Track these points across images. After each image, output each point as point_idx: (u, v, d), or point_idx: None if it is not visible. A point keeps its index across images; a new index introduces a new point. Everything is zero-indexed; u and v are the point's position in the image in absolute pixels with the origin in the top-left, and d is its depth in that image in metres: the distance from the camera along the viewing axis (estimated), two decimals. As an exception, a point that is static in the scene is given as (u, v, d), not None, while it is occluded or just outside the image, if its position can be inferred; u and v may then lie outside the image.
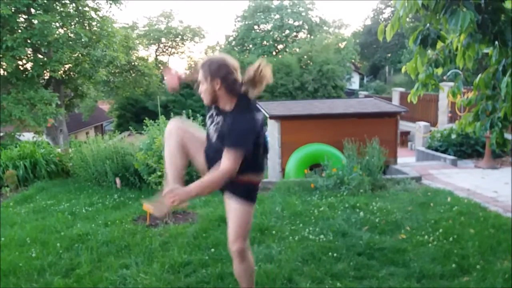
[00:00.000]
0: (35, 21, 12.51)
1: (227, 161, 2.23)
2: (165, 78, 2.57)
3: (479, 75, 3.45)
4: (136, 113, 25.96)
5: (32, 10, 12.80)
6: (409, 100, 3.84)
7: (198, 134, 2.58)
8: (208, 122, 2.49)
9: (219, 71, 2.33)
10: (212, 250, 3.67)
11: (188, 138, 2.50)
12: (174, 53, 32.63)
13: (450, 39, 3.34)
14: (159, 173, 4.75)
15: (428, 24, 3.02)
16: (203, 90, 2.37)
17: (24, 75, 13.07)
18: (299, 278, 3.10)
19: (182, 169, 2.53)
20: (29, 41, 12.46)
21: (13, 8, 11.87)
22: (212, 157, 2.40)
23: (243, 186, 2.52)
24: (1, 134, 13.68)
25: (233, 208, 2.52)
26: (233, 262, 2.60)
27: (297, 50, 30.08)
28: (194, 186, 2.26)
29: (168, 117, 6.51)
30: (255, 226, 4.21)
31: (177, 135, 2.48)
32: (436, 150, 9.41)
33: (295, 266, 3.31)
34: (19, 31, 12.40)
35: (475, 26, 2.68)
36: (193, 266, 3.37)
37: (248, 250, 2.59)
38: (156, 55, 31.82)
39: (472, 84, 3.68)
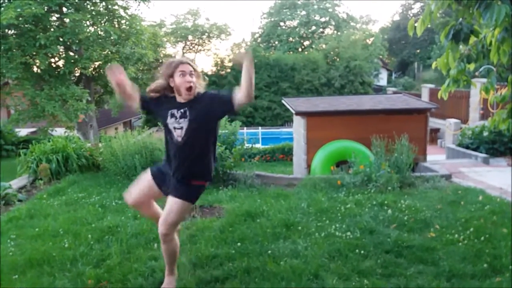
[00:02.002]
0: (67, 20, 12.85)
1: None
2: (109, 77, 2.81)
3: (514, 71, 3.36)
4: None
5: (64, 9, 13.15)
6: (439, 97, 3.77)
7: (146, 192, 3.00)
8: (174, 111, 2.78)
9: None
10: (239, 244, 3.70)
11: (144, 199, 3.00)
12: (200, 50, 32.86)
13: (484, 34, 3.26)
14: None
15: (460, 19, 2.95)
16: (193, 81, 2.75)
17: (56, 72, 13.45)
18: (326, 274, 3.09)
19: (157, 215, 3.07)
20: (61, 39, 12.80)
21: (46, 7, 12.23)
22: (187, 141, 2.75)
23: (194, 189, 2.90)
24: (35, 129, 14.14)
25: (175, 204, 2.79)
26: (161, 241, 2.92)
27: (324, 46, 29.82)
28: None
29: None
30: (281, 221, 4.23)
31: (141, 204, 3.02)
32: (467, 147, 9.17)
33: (321, 262, 3.31)
34: (52, 29, 12.76)
35: (511, 20, 2.60)
36: (220, 260, 3.41)
37: (173, 235, 2.89)
38: (183, 52, 32.11)
39: (506, 80, 3.58)
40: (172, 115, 2.77)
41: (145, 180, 2.97)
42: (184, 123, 2.74)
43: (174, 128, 2.76)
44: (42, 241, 4.00)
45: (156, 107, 2.89)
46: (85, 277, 3.18)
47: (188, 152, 2.77)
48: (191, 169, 2.80)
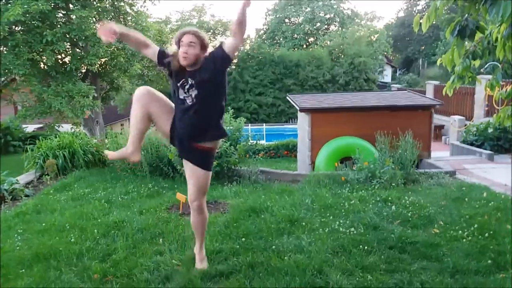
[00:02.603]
0: (73, 16, 12.92)
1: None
2: (99, 32, 2.77)
3: (520, 67, 3.35)
4: (169, 106, 26.35)
5: (71, 6, 13.22)
6: (444, 93, 3.77)
7: (164, 102, 3.01)
8: (183, 80, 2.87)
9: (207, 41, 2.89)
10: (243, 239, 3.72)
11: (152, 105, 2.92)
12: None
13: (490, 30, 3.24)
14: (191, 164, 4.84)
15: (466, 15, 2.94)
16: (193, 53, 2.79)
17: (63, 69, 13.53)
18: (329, 270, 3.11)
19: (144, 132, 3.01)
20: (67, 35, 12.88)
21: (52, 4, 12.30)
22: (195, 113, 2.85)
23: (200, 153, 2.98)
24: (42, 125, 14.23)
25: (192, 172, 3.01)
26: (192, 214, 3.16)
27: (328, 43, 29.74)
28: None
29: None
30: (285, 217, 4.25)
31: (143, 101, 2.90)
32: (472, 144, 9.15)
33: (325, 257, 3.32)
34: (58, 26, 12.84)
35: (517, 16, 2.59)
36: (225, 254, 3.44)
37: (204, 205, 3.14)
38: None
39: (511, 76, 3.57)
40: (182, 86, 2.87)
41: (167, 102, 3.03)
42: (193, 92, 2.85)
43: (184, 97, 2.88)
44: (49, 235, 4.05)
45: (169, 68, 2.96)
46: (91, 271, 3.22)
47: (197, 109, 2.85)
48: (201, 121, 2.89)
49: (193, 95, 2.85)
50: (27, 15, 11.79)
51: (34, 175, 6.96)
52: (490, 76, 3.73)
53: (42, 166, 6.97)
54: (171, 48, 2.99)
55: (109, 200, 5.28)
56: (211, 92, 2.88)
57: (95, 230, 4.09)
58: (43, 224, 4.38)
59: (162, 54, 2.97)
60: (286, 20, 35.44)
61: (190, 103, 2.86)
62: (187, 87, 2.86)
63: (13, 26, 12.36)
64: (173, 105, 3.00)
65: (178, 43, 2.85)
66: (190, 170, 3.02)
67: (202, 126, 2.91)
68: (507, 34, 3.01)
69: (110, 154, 3.16)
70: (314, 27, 34.41)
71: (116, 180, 6.33)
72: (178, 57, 2.84)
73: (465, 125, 11.08)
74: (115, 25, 2.77)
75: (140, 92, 2.95)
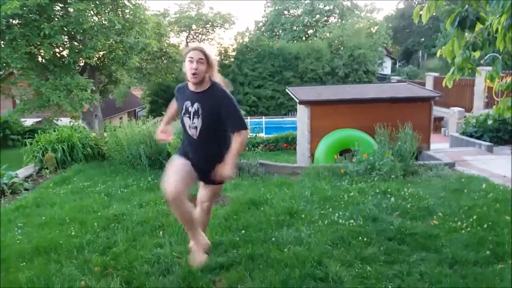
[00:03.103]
0: (71, 9, 12.83)
1: (242, 125, 2.79)
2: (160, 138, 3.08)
3: (520, 58, 3.34)
4: (168, 99, 26.04)
5: (68, -1, 13.13)
6: (444, 84, 3.75)
7: (188, 177, 2.91)
8: (187, 103, 2.84)
9: (214, 58, 2.85)
10: (243, 231, 3.74)
11: (184, 194, 2.81)
12: (204, 39, 32.72)
13: (490, 21, 3.23)
14: (191, 157, 4.85)
15: (466, 6, 2.93)
16: (202, 69, 2.74)
17: (61, 62, 13.49)
18: (329, 261, 3.13)
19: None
20: (65, 29, 12.81)
21: (50, -3, 12.21)
22: (201, 136, 2.84)
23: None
24: (40, 119, 14.21)
25: (213, 188, 3.11)
26: (198, 211, 3.15)
27: (328, 35, 29.63)
28: (232, 156, 2.80)
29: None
30: (284, 209, 4.26)
31: (178, 202, 2.75)
32: (471, 136, 9.15)
33: (324, 249, 3.34)
34: (56, 19, 12.77)
35: (518, 6, 2.58)
36: (225, 247, 3.46)
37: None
38: (187, 42, 32.01)
39: (511, 68, 3.56)
40: (186, 111, 2.83)
41: (182, 166, 2.89)
42: (198, 123, 2.79)
43: (189, 127, 2.84)
44: (49, 229, 4.06)
45: (177, 101, 3.02)
46: (91, 264, 3.24)
47: (204, 145, 2.86)
48: (211, 156, 2.89)
49: (198, 127, 2.80)
50: (25, 8, 11.71)
51: (33, 169, 6.96)
52: (490, 68, 3.72)
53: (41, 159, 6.97)
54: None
55: (108, 193, 5.28)
56: (216, 121, 2.80)
57: (95, 223, 4.10)
58: (43, 218, 4.39)
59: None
60: (285, 12, 35.28)
61: (196, 137, 2.84)
62: (191, 110, 2.81)
63: (11, 20, 12.29)
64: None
65: (185, 59, 2.82)
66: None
67: (215, 153, 2.87)
68: (508, 25, 2.99)
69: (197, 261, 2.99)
70: (314, 19, 34.26)
71: (115, 174, 6.33)
72: (186, 74, 2.79)
73: (465, 116, 11.07)
74: (163, 126, 3.08)
75: (171, 199, 2.80)
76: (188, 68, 2.75)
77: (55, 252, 3.51)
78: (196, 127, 2.80)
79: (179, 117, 2.94)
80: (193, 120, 2.80)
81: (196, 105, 2.79)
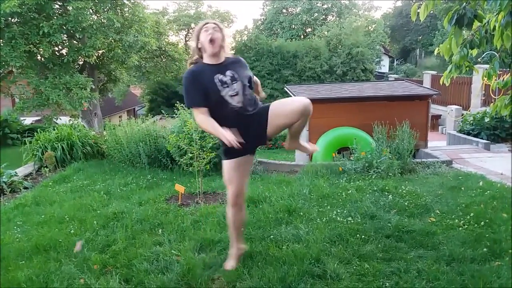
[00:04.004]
0: (70, 8, 12.81)
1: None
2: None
3: (517, 56, 3.35)
4: (167, 98, 26.35)
5: (67, -3, 13.11)
6: (441, 82, 3.77)
7: (246, 176, 3.04)
8: (219, 76, 2.72)
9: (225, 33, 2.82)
10: (241, 229, 3.74)
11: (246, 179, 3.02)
12: (203, 38, 32.71)
13: (487, 19, 3.24)
14: (190, 155, 4.86)
15: (464, 3, 2.94)
16: (219, 36, 2.73)
17: (60, 61, 13.46)
18: (327, 259, 3.14)
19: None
20: (64, 27, 12.78)
21: (48, -5, 12.19)
22: (244, 101, 2.75)
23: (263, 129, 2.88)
24: (40, 117, 14.19)
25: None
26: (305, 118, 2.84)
27: (326, 33, 29.60)
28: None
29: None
30: (283, 207, 4.28)
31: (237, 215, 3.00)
32: (468, 134, 9.19)
33: (322, 246, 3.36)
34: (55, 17, 12.74)
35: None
36: (223, 244, 3.46)
37: None
38: (186, 41, 32.01)
39: (509, 66, 3.58)
40: (222, 83, 2.70)
41: (236, 167, 2.90)
42: (238, 87, 2.72)
43: (231, 96, 2.71)
44: (48, 227, 4.07)
45: (204, 91, 2.71)
46: (91, 262, 3.24)
47: (250, 106, 2.77)
48: (258, 113, 2.80)
49: (239, 90, 2.72)
50: (23, 6, 11.68)
51: (32, 168, 6.97)
52: (487, 66, 3.74)
53: (40, 158, 6.98)
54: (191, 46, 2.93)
55: (108, 191, 5.30)
56: (247, 78, 2.82)
57: (95, 222, 4.11)
58: (43, 216, 4.40)
59: (206, 105, 2.74)
60: (284, 11, 35.25)
61: (241, 103, 2.73)
62: (226, 79, 2.72)
63: (10, 18, 12.26)
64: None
65: (198, 35, 2.77)
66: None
67: (257, 107, 2.84)
68: (505, 23, 3.01)
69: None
70: (312, 17, 34.23)
71: (114, 172, 6.34)
72: (203, 46, 2.74)
73: (462, 114, 11.10)
74: (222, 129, 2.63)
75: (234, 204, 2.97)
76: (204, 37, 2.71)
77: (54, 250, 3.52)
78: (238, 92, 2.71)
79: (211, 99, 2.70)
80: (233, 87, 2.71)
81: (228, 72, 2.73)
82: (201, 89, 2.70)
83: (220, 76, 2.71)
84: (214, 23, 2.77)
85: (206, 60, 2.79)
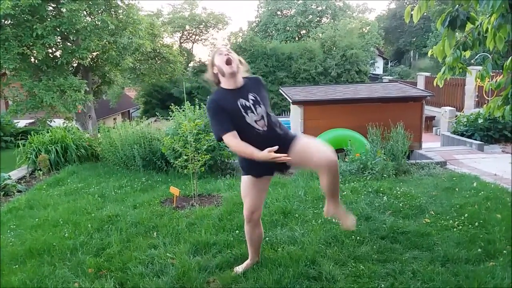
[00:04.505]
0: (64, 10, 12.74)
1: None
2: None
3: (510, 58, 3.37)
4: (162, 100, 26.27)
5: (61, -1, 13.04)
6: (435, 84, 3.80)
7: (262, 194, 2.97)
8: (241, 101, 2.64)
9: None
10: (237, 231, 3.75)
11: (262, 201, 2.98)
12: (198, 40, 32.74)
13: (480, 21, 3.27)
14: (185, 157, 4.85)
15: (457, 5, 2.96)
16: (234, 57, 2.70)
17: (54, 63, 13.38)
18: (322, 260, 3.15)
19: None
20: (58, 29, 12.69)
21: (42, -3, 12.12)
22: (269, 124, 2.69)
23: (284, 135, 2.82)
24: (33, 120, 14.10)
25: (303, 139, 2.81)
26: (334, 175, 2.71)
27: (320, 35, 29.68)
28: None
29: (192, 103, 6.63)
30: (278, 209, 4.28)
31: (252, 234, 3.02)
32: (462, 135, 9.24)
33: (318, 248, 3.36)
34: (49, 19, 12.65)
35: (507, 6, 2.61)
36: (219, 247, 3.46)
37: None
38: (181, 42, 31.99)
39: (501, 67, 3.60)
40: (246, 108, 2.63)
41: (254, 185, 2.85)
42: (262, 110, 2.66)
43: (256, 121, 2.64)
44: (42, 231, 4.04)
45: (228, 116, 2.63)
46: (85, 266, 3.23)
47: (273, 129, 2.70)
48: (283, 136, 2.74)
49: (264, 114, 2.66)
50: (17, 8, 11.61)
51: (26, 171, 6.92)
52: (480, 67, 3.77)
53: (34, 161, 6.94)
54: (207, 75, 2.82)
55: (102, 194, 5.28)
56: (267, 101, 2.77)
57: (89, 225, 4.10)
58: (36, 220, 4.38)
59: (232, 125, 2.64)
60: (278, 13, 35.31)
61: (266, 127, 2.66)
62: (249, 104, 2.65)
63: (3, 20, 12.18)
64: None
65: (213, 61, 2.71)
66: (300, 147, 2.70)
67: (281, 129, 2.78)
68: (498, 25, 3.03)
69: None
70: (306, 19, 34.31)
71: (109, 175, 6.31)
72: (220, 69, 2.67)
73: (456, 116, 11.17)
74: (263, 152, 2.50)
75: (249, 220, 2.98)
76: (220, 60, 2.65)
77: (48, 254, 3.50)
78: (262, 116, 2.65)
79: (236, 124, 2.63)
80: (256, 111, 2.64)
81: (250, 96, 2.66)
82: (226, 115, 2.62)
83: (243, 101, 2.64)
84: (225, 47, 2.78)
85: (225, 85, 2.70)
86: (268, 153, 2.46)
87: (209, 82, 2.83)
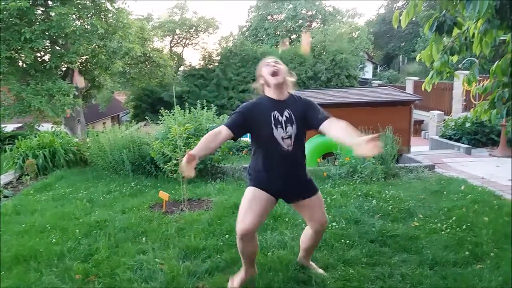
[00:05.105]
0: (53, 14, 12.67)
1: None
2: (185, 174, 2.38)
3: (496, 62, 3.42)
4: (152, 104, 26.16)
5: (50, 3, 12.99)
6: (423, 88, 3.83)
7: (263, 213, 2.65)
8: (275, 113, 2.59)
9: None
10: (227, 236, 3.73)
11: (259, 225, 2.65)
12: (188, 44, 32.70)
13: (467, 26, 3.31)
14: (174, 162, 4.83)
15: (444, 11, 3.00)
16: (282, 69, 2.64)
17: (42, 67, 13.29)
18: (312, 264, 3.15)
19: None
20: (47, 33, 12.63)
21: (30, 1, 12.04)
22: (294, 147, 2.63)
23: (308, 181, 2.83)
24: (21, 124, 13.95)
25: (312, 203, 2.78)
26: (319, 235, 2.90)
27: (310, 39, 29.87)
28: (353, 135, 2.39)
29: (182, 108, 6.61)
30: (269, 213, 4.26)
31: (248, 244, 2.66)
32: (450, 138, 9.35)
33: (308, 252, 3.36)
34: (37, 23, 12.58)
35: (494, 11, 2.65)
36: (208, 252, 3.44)
37: None
38: (171, 47, 31.92)
39: (488, 71, 3.65)
40: (277, 122, 2.57)
41: (259, 200, 2.61)
42: (292, 130, 2.59)
43: (283, 138, 2.58)
44: (29, 236, 3.98)
45: (251, 123, 2.60)
46: (72, 272, 3.18)
47: (296, 155, 2.67)
48: (302, 168, 2.77)
49: (292, 134, 2.59)
50: (5, 12, 11.52)
51: (13, 176, 6.83)
52: (467, 72, 3.81)
53: (21, 166, 6.85)
54: None
55: (91, 199, 5.22)
56: (304, 126, 2.65)
57: (77, 230, 4.04)
58: (23, 225, 4.31)
59: (236, 126, 2.57)
60: (269, 17, 35.49)
61: (290, 148, 2.60)
62: (282, 119, 2.59)
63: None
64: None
65: (260, 73, 2.67)
66: (311, 203, 2.76)
67: (304, 164, 2.80)
68: (484, 30, 3.08)
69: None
70: (297, 24, 34.55)
71: (98, 179, 6.25)
72: (266, 80, 2.63)
73: (444, 119, 11.29)
74: (194, 152, 2.37)
75: (242, 237, 2.58)
76: (266, 72, 2.62)
77: (35, 260, 3.44)
78: (290, 136, 2.58)
79: (260, 134, 2.62)
80: (286, 128, 2.57)
81: (286, 112, 2.60)
82: (244, 120, 2.58)
83: (277, 114, 2.59)
84: (274, 59, 2.71)
85: (269, 93, 2.66)
86: (193, 156, 2.32)
87: (258, 91, 2.77)
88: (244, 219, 2.54)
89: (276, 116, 2.58)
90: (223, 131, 2.54)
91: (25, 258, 3.47)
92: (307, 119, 2.60)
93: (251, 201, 2.60)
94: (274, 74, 2.59)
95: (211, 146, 2.55)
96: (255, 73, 2.75)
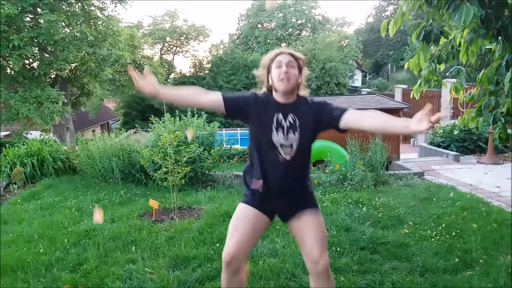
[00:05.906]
0: (41, 21, 12.58)
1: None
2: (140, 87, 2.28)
3: (482, 71, 3.48)
4: (142, 111, 26.09)
5: (38, 10, 12.87)
6: (411, 96, 3.88)
7: (255, 230, 2.32)
8: (278, 115, 2.23)
9: (304, 63, 2.35)
10: (217, 244, 3.71)
11: (248, 249, 2.32)
12: (178, 52, 32.73)
13: (453, 35, 3.37)
14: (164, 170, 4.80)
15: (431, 20, 3.04)
16: (294, 73, 2.25)
17: (31, 74, 13.15)
18: (303, 273, 3.14)
19: None
20: (35, 40, 12.52)
21: (19, 8, 11.95)
22: (294, 157, 2.24)
23: (309, 194, 2.39)
24: (9, 132, 13.79)
25: (309, 223, 2.30)
26: (318, 281, 2.29)
27: (300, 48, 30.09)
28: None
29: (173, 115, 6.59)
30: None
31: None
32: (439, 146, 9.45)
33: (298, 260, 3.34)
34: (26, 30, 12.47)
35: (479, 21, 2.69)
36: (199, 261, 3.42)
37: None
38: (161, 54, 31.91)
39: (474, 80, 3.71)
40: (279, 126, 2.22)
41: (248, 219, 2.31)
42: (294, 139, 2.22)
43: (282, 145, 2.22)
44: (16, 246, 3.92)
45: (250, 113, 2.29)
46: (61, 282, 3.13)
47: (295, 168, 2.29)
48: (302, 184, 2.36)
49: (294, 144, 2.21)
50: (-8, 19, 11.42)
51: (0, 184, 6.73)
52: (455, 80, 3.86)
53: (9, 174, 6.76)
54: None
55: (79, 208, 5.16)
56: (311, 137, 2.29)
57: (65, 240, 3.99)
58: (10, 235, 4.24)
59: (232, 100, 2.31)
60: (259, 26, 35.74)
61: (289, 158, 2.23)
62: (285, 124, 2.22)
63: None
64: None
65: (269, 66, 2.30)
66: (305, 222, 2.30)
67: (305, 179, 2.38)
68: (470, 39, 3.13)
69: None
70: (286, 32, 34.82)
71: (87, 188, 6.19)
72: (274, 84, 2.25)
73: (433, 127, 11.42)
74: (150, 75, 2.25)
75: (227, 263, 2.23)
76: (275, 74, 2.23)
77: (22, 270, 3.38)
78: (291, 145, 2.21)
79: (254, 137, 2.32)
80: (287, 135, 2.21)
81: (290, 117, 2.23)
82: (245, 103, 2.31)
83: (280, 118, 2.24)
84: (290, 54, 2.27)
85: (275, 94, 2.30)
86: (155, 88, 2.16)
87: (259, 80, 2.42)
88: (227, 243, 2.25)
89: (279, 119, 2.24)
90: (215, 94, 2.29)
91: (12, 269, 3.41)
92: (323, 121, 2.24)
93: (237, 221, 2.32)
94: (283, 80, 2.21)
95: (185, 94, 2.32)
96: (255, 75, 2.46)
